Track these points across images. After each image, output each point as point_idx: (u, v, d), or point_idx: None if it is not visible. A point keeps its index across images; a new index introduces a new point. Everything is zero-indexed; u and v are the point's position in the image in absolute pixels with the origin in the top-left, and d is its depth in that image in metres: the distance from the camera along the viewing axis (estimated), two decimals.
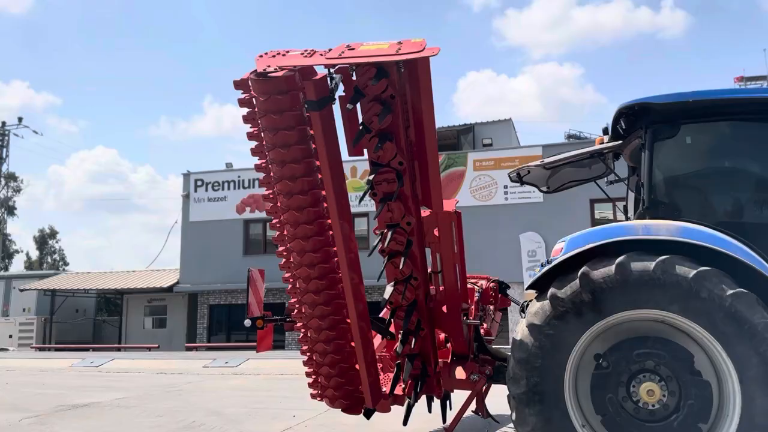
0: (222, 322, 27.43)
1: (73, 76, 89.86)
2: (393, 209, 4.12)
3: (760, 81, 33.43)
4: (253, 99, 3.85)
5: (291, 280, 4.78)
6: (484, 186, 21.83)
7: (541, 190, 6.32)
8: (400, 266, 4.38)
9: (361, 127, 3.87)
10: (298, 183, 3.95)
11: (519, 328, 4.37)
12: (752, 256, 4.08)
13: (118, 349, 25.54)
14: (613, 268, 4.12)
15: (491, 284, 6.65)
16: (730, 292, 3.89)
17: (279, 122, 3.74)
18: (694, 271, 3.96)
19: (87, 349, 25.29)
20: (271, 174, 4.15)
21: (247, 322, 5.07)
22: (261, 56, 3.75)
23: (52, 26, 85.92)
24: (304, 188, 4.00)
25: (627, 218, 5.97)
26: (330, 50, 3.69)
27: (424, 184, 4.36)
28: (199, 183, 28.05)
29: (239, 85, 3.95)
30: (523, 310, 5.54)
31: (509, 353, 4.76)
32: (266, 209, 4.68)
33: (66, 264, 54.83)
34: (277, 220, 4.62)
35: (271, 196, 4.45)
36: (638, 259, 4.09)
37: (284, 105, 3.70)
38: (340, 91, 3.87)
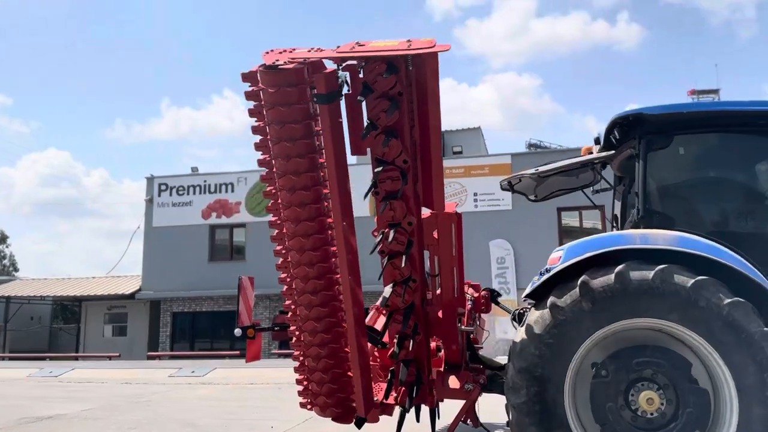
0: (186, 330, 26.81)
1: (24, 76, 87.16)
2: (395, 208, 4.08)
3: (712, 94, 34.63)
4: (261, 92, 3.81)
5: (287, 280, 4.64)
6: (454, 193, 21.92)
7: (529, 199, 6.33)
8: (401, 267, 4.29)
9: (367, 123, 3.86)
10: (302, 178, 3.91)
11: (518, 337, 4.34)
12: (746, 265, 4.14)
13: (76, 358, 24.71)
14: (612, 276, 4.13)
15: (483, 292, 6.62)
16: (728, 301, 3.94)
17: (286, 115, 3.73)
18: (692, 280, 4.00)
19: (43, 359, 24.38)
20: (274, 169, 4.06)
21: (238, 332, 4.91)
22: (268, 52, 3.71)
23: (1, 24, 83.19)
24: (307, 184, 3.95)
25: (614, 227, 6.03)
26: (338, 47, 3.67)
27: (426, 185, 4.30)
28: (163, 187, 27.43)
29: (247, 77, 3.88)
30: (514, 319, 5.53)
31: (501, 361, 4.74)
32: (267, 207, 4.53)
33: (16, 270, 52.96)
34: (277, 218, 4.47)
35: (273, 191, 4.30)
36: (637, 268, 4.11)
37: (293, 98, 3.69)
38: (346, 90, 3.88)
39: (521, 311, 5.34)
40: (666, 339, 4.22)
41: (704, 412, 3.95)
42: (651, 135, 4.64)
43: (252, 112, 4.05)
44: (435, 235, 4.92)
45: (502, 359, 5.23)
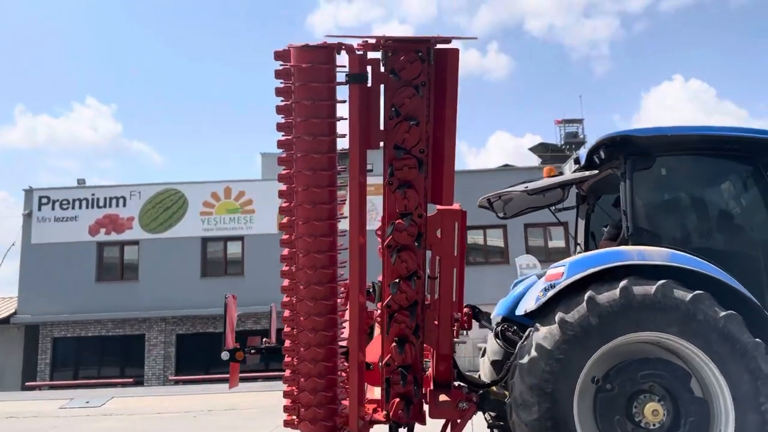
0: (69, 357, 24.51)
1: None
2: (409, 197, 4.13)
3: (576, 123, 37.56)
4: (292, 69, 3.96)
5: (291, 288, 4.39)
6: None
7: (498, 216, 6.39)
8: (408, 260, 4.22)
9: (393, 109, 4.01)
10: (324, 158, 4.00)
11: (526, 353, 4.32)
12: (731, 279, 4.41)
13: None
14: (617, 291, 4.24)
15: (466, 309, 6.56)
16: (723, 314, 4.17)
17: (316, 91, 3.91)
18: (690, 295, 4.19)
19: None
20: (293, 150, 4.08)
21: (225, 355, 4.48)
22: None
23: None
24: (326, 165, 4.03)
25: (577, 245, 6.25)
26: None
27: (437, 179, 4.26)
28: (44, 200, 25.13)
29: (279, 55, 4.03)
30: (497, 336, 5.52)
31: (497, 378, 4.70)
32: (280, 224, 4.41)
33: None
34: (289, 235, 4.29)
35: (290, 174, 4.18)
36: (639, 284, 4.25)
37: (323, 75, 3.91)
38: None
39: (504, 329, 5.35)
40: (660, 351, 4.40)
41: (704, 421, 4.13)
42: (636, 156, 4.86)
43: (279, 92, 4.09)
44: (438, 234, 4.79)
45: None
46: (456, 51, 3.94)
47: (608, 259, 4.42)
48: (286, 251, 4.46)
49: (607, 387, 4.25)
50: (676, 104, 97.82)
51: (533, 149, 35.42)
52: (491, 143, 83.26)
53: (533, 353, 4.27)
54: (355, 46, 4.00)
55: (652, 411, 4.15)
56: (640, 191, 4.83)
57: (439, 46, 3.91)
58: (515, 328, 5.35)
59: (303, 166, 4.03)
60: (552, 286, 4.43)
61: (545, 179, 5.27)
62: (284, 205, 4.33)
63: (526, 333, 4.56)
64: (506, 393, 5.04)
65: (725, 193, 5.01)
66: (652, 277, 4.28)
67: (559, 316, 4.27)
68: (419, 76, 3.94)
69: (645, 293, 4.22)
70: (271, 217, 23.88)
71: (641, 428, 4.15)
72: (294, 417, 4.61)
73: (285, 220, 4.37)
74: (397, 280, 4.27)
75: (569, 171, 5.65)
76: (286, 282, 4.55)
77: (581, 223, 6.23)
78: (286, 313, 4.56)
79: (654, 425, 4.16)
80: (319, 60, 3.89)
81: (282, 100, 4.09)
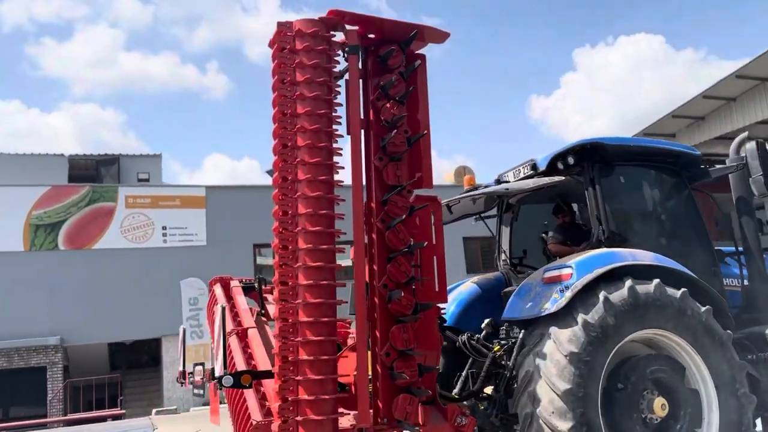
0: None
1: None
2: (401, 169, 4.23)
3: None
4: (294, 39, 4.08)
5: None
6: (138, 226, 19.41)
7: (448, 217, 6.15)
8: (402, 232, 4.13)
9: (380, 90, 4.22)
10: (324, 119, 4.03)
11: (547, 358, 4.12)
12: (689, 272, 4.80)
13: None
14: (626, 291, 4.32)
15: None
16: (704, 309, 4.53)
17: (316, 58, 4.03)
18: (679, 292, 4.47)
19: None
20: (288, 123, 4.06)
21: (228, 381, 3.36)
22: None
23: None
24: (323, 138, 4.01)
25: (502, 252, 6.28)
26: None
27: (416, 162, 4.34)
28: None
29: (283, 26, 4.13)
30: (465, 345, 5.19)
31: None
32: (274, 228, 4.09)
33: None
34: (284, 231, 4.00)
35: (288, 146, 4.07)
36: (640, 283, 4.39)
37: (325, 44, 4.07)
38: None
39: (471, 336, 5.07)
40: (645, 348, 4.59)
41: (697, 410, 4.40)
42: (601, 163, 5.06)
43: (277, 68, 4.15)
44: (417, 222, 4.38)
45: None
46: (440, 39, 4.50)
47: (610, 260, 4.49)
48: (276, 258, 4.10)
49: (619, 386, 4.27)
50: None
51: (270, 172, 35.85)
52: (207, 164, 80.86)
53: (560, 357, 4.09)
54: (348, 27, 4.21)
55: (661, 405, 4.29)
56: (606, 197, 5.03)
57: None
58: (478, 336, 5.14)
59: (302, 142, 3.99)
60: (567, 287, 4.32)
61: (523, 182, 5.18)
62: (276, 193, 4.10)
63: (531, 338, 4.37)
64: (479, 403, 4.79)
65: (664, 199, 5.52)
66: (641, 277, 4.45)
67: (581, 317, 4.18)
68: (401, 65, 4.25)
69: (646, 292, 4.37)
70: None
71: (652, 423, 4.26)
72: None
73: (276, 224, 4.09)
74: (392, 255, 4.09)
75: (513, 178, 5.66)
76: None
77: (506, 231, 6.30)
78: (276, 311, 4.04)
79: (657, 419, 4.30)
80: (321, 31, 4.05)
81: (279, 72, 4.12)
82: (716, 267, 5.29)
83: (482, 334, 5.19)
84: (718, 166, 5.52)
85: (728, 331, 4.60)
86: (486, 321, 5.32)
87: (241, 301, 6.32)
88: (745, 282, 5.42)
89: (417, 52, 4.42)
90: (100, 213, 19.37)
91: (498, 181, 5.88)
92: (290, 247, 3.98)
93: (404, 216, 4.18)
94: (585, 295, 4.27)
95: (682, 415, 4.34)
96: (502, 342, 5.05)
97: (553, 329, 4.23)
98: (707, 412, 4.45)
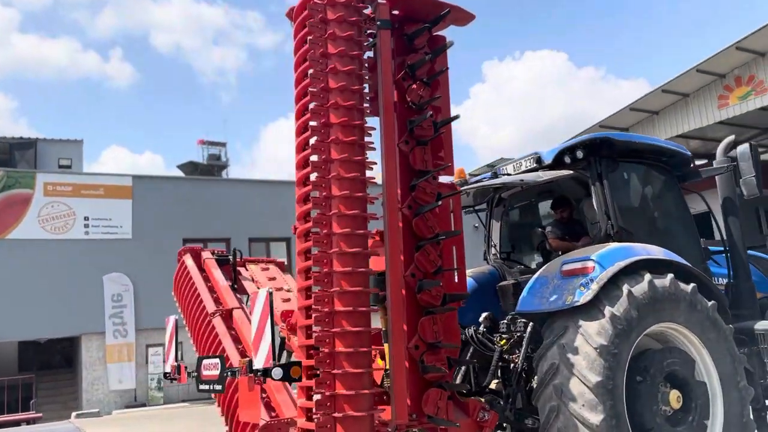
0: None
1: None
2: (428, 155, 4.11)
3: (219, 146, 38.67)
4: (326, 8, 3.89)
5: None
6: (58, 216, 17.96)
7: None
8: (431, 220, 4.01)
9: (406, 70, 4.11)
10: (357, 96, 3.86)
11: (581, 350, 4.08)
12: (691, 266, 4.94)
13: None
14: (646, 285, 4.36)
15: None
16: (710, 303, 4.66)
17: (349, 30, 3.85)
18: (690, 287, 4.58)
19: None
20: (321, 98, 3.83)
21: (278, 373, 3.04)
22: None
23: None
24: (357, 112, 3.84)
25: (493, 247, 6.24)
26: None
27: (437, 148, 4.22)
28: None
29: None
30: (471, 338, 5.08)
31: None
32: (313, 219, 3.81)
33: None
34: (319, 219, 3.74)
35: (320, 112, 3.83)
36: (657, 277, 4.45)
37: (357, 16, 3.90)
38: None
39: (476, 330, 4.98)
40: (661, 340, 4.67)
41: (706, 402, 4.51)
42: (608, 159, 5.12)
43: (305, 37, 3.96)
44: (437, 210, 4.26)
45: None
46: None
47: (628, 255, 4.52)
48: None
49: (638, 379, 4.31)
50: (292, 139, 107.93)
51: (181, 167, 34.54)
52: (106, 157, 76.48)
53: (589, 350, 4.07)
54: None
55: (676, 398, 4.36)
56: (613, 192, 5.09)
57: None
58: (483, 330, 5.07)
59: (335, 118, 3.79)
60: (592, 280, 4.30)
61: (534, 174, 5.14)
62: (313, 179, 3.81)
63: (553, 331, 4.32)
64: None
65: (659, 196, 5.66)
66: (653, 272, 4.51)
67: (608, 310, 4.18)
68: (426, 46, 4.16)
69: (663, 286, 4.44)
70: None
71: (668, 415, 4.32)
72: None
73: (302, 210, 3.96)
74: (421, 243, 3.97)
75: (513, 171, 5.63)
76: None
77: (496, 225, 6.27)
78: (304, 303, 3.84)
79: (670, 411, 4.37)
80: (355, 2, 3.90)
81: (304, 49, 3.97)
82: (705, 264, 5.48)
83: (482, 328, 5.11)
84: (708, 167, 5.73)
85: (730, 325, 4.75)
86: (484, 315, 5.24)
87: (219, 276, 5.94)
88: (731, 280, 5.65)
89: (436, 33, 4.31)
90: (15, 200, 17.84)
91: (495, 174, 5.83)
92: (324, 231, 3.71)
93: (439, 202, 4.03)
94: (607, 288, 4.27)
95: (693, 407, 4.43)
96: (504, 336, 4.99)
97: (580, 321, 4.20)
98: (713, 404, 4.57)
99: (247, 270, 6.28)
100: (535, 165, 5.42)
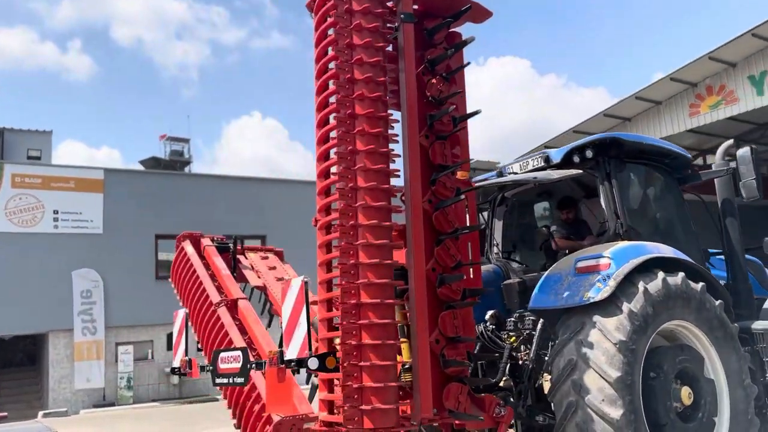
0: None
1: None
2: (447, 150, 4.09)
3: (182, 142, 38.30)
4: (352, 1, 3.85)
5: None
6: (26, 208, 17.33)
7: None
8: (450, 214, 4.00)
9: (426, 64, 4.10)
10: (382, 87, 3.82)
11: (600, 346, 4.09)
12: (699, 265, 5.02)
13: None
14: (659, 282, 4.41)
15: None
16: (717, 302, 4.74)
17: (375, 22, 3.83)
18: (699, 286, 4.65)
19: None
20: (346, 89, 3.80)
21: (314, 363, 2.95)
22: None
23: None
24: (382, 104, 3.81)
25: (494, 245, 6.24)
26: None
27: (454, 144, 4.20)
28: None
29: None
30: (481, 335, 5.06)
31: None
32: (339, 209, 3.74)
33: None
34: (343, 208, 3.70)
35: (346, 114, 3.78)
36: (669, 275, 4.51)
37: (382, 8, 3.88)
38: None
39: (486, 328, 4.96)
40: (669, 338, 4.72)
41: (714, 399, 4.58)
42: (617, 159, 5.17)
43: (322, 35, 4.04)
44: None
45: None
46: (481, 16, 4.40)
47: (641, 252, 4.56)
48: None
49: (651, 375, 4.35)
50: (255, 138, 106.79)
51: (144, 162, 34.01)
52: (62, 151, 74.60)
53: (608, 346, 4.09)
54: None
55: (687, 394, 4.41)
56: (621, 191, 5.14)
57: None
58: (492, 327, 5.06)
59: (358, 96, 3.77)
60: (608, 276, 4.32)
61: (545, 173, 5.15)
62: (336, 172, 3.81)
63: (568, 327, 4.34)
64: None
65: (662, 197, 5.73)
66: (664, 270, 4.57)
67: (626, 306, 4.21)
68: (444, 41, 4.16)
69: (675, 284, 4.50)
70: None
71: (679, 411, 4.37)
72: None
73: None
74: (442, 237, 3.97)
75: (520, 169, 5.64)
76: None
77: (498, 224, 6.27)
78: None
79: (683, 408, 4.43)
80: None
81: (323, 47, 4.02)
82: (705, 265, 5.58)
83: (489, 326, 5.11)
84: (707, 170, 5.84)
85: (735, 324, 4.84)
86: (490, 312, 5.24)
87: (221, 265, 5.80)
88: (729, 281, 5.76)
89: (452, 29, 4.32)
90: None
91: (500, 173, 5.84)
92: (350, 222, 3.65)
93: (462, 197, 4.01)
94: (623, 285, 4.30)
95: (702, 404, 4.49)
96: (511, 333, 5.00)
97: (597, 317, 4.22)
98: (719, 401, 4.64)
99: (246, 258, 6.15)
100: (543, 164, 5.44)
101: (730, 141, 5.94)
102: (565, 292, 4.47)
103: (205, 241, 6.16)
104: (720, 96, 18.53)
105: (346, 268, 3.57)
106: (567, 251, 5.33)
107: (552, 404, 4.46)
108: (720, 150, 5.89)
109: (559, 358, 4.31)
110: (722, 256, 5.87)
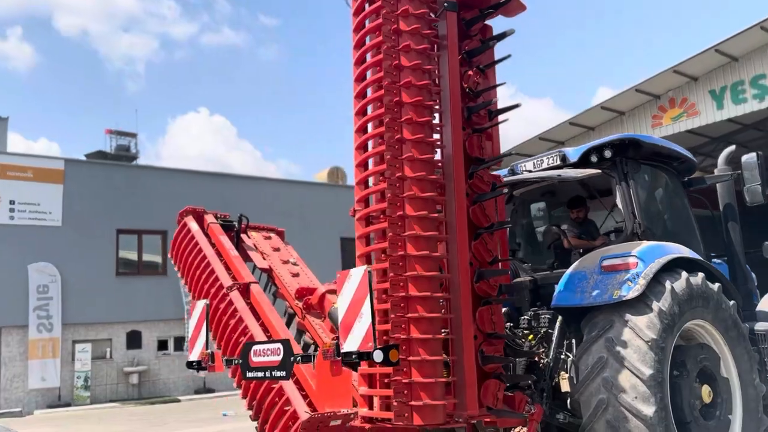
0: None
1: None
2: (485, 144, 4.05)
3: (129, 137, 37.70)
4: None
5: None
6: None
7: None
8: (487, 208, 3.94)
9: (463, 56, 4.04)
10: (427, 76, 3.74)
11: (632, 344, 4.12)
12: (715, 268, 5.13)
13: None
14: (683, 282, 4.47)
15: None
16: (731, 303, 4.85)
17: (422, 8, 3.76)
18: (716, 286, 4.74)
19: None
20: (393, 76, 3.69)
21: (379, 356, 2.81)
22: None
23: None
24: (427, 93, 3.71)
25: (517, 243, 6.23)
26: None
27: (487, 137, 4.15)
28: None
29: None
30: None
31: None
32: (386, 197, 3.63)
33: None
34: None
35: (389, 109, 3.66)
36: (692, 275, 4.58)
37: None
38: None
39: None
40: (684, 337, 4.80)
41: (729, 398, 4.67)
42: (634, 160, 5.23)
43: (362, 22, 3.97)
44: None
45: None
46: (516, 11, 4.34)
47: (664, 252, 4.62)
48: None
49: (674, 373, 4.40)
50: (201, 135, 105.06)
51: (90, 156, 33.21)
52: None
53: (640, 343, 4.12)
54: None
55: (708, 392, 4.49)
56: (638, 192, 5.21)
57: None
58: (510, 325, 5.05)
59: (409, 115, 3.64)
60: (638, 275, 4.35)
61: (568, 171, 5.16)
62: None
63: (596, 325, 4.35)
64: None
65: (670, 199, 5.83)
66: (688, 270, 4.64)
67: (655, 304, 4.25)
68: (479, 33, 4.11)
69: (697, 284, 4.57)
70: None
71: (699, 409, 4.44)
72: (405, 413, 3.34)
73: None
74: (479, 231, 3.90)
75: (534, 168, 5.65)
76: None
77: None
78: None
79: (702, 405, 4.50)
80: None
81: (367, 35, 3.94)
82: None
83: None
84: (711, 175, 5.99)
85: (746, 324, 4.97)
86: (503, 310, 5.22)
87: (228, 245, 5.54)
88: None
89: (485, 22, 4.26)
90: None
91: (513, 171, 5.83)
92: (398, 213, 3.55)
93: (504, 190, 3.98)
94: (651, 284, 4.34)
95: (719, 402, 4.58)
96: (526, 331, 5.00)
97: (628, 315, 4.24)
98: (734, 399, 4.75)
99: (249, 238, 5.91)
100: (559, 162, 5.46)
101: (732, 147, 6.10)
102: (593, 290, 4.48)
103: (209, 218, 5.86)
104: (682, 108, 19.20)
105: (394, 260, 3.47)
106: (581, 250, 5.37)
107: (572, 402, 4.46)
108: (722, 155, 6.05)
109: (587, 355, 4.31)
110: (720, 260, 6.02)
